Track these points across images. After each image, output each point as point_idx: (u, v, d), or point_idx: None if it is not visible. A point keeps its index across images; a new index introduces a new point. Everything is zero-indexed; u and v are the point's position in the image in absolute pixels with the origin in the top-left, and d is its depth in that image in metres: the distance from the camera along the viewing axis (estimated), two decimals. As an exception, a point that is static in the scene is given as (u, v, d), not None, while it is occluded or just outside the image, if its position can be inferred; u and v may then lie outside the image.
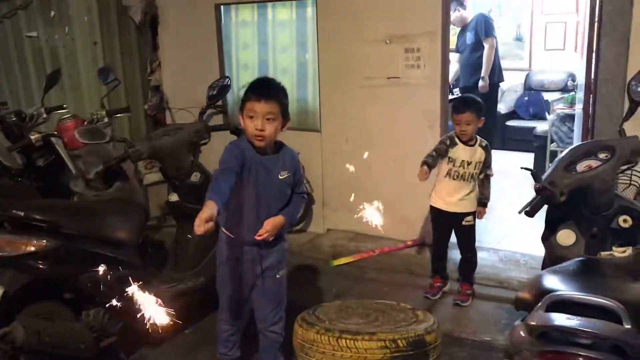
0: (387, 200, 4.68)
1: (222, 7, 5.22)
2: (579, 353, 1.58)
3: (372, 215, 2.64)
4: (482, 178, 3.72)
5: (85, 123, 3.88)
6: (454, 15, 6.09)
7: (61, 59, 5.16)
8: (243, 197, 2.60)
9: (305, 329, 2.58)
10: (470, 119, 3.56)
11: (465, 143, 3.64)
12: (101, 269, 2.90)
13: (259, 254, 2.71)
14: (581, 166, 2.50)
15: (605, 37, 3.64)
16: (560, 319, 1.63)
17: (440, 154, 3.63)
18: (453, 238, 3.92)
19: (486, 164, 3.70)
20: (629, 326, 1.62)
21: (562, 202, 2.50)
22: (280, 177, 2.62)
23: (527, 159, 6.37)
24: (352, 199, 4.88)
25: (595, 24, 3.74)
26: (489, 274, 4.12)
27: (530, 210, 2.40)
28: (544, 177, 2.51)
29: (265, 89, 2.56)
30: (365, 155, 4.39)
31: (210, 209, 2.23)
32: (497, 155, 7.20)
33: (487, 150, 3.69)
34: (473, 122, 3.58)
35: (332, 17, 4.66)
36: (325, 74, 4.81)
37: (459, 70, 6.52)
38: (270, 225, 2.58)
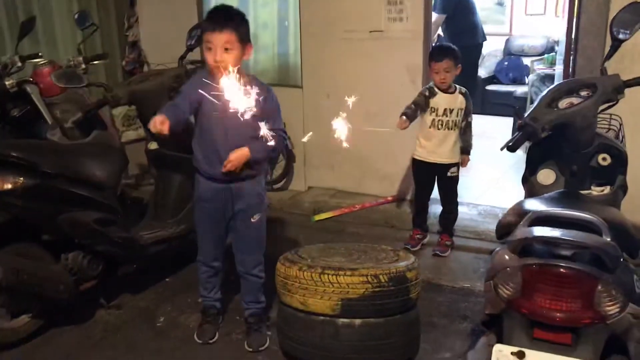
0: (368, 157, 4.77)
1: (202, -42, 5.14)
2: (560, 264, 1.61)
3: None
4: (464, 126, 3.75)
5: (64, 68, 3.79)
6: None
7: (35, 10, 5.02)
8: (210, 131, 2.61)
9: (287, 266, 2.59)
10: (449, 67, 3.59)
11: (444, 91, 3.66)
12: (80, 210, 2.89)
13: (231, 192, 2.71)
14: (563, 103, 2.51)
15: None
16: (542, 231, 1.66)
17: (419, 105, 3.64)
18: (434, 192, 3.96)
19: (467, 111, 3.73)
20: (608, 239, 1.65)
21: (544, 139, 2.52)
22: (243, 112, 2.59)
23: (507, 122, 6.42)
24: (333, 156, 4.93)
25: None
26: (468, 226, 4.19)
27: (512, 145, 2.40)
28: (526, 114, 2.52)
29: (220, 17, 2.51)
30: (346, 111, 4.39)
31: (161, 115, 2.45)
32: (477, 120, 7.16)
33: (467, 98, 3.72)
34: (452, 70, 3.60)
35: (314, -30, 4.62)
36: (306, 28, 4.78)
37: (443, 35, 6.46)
38: (233, 156, 2.58)
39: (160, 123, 2.40)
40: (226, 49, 2.48)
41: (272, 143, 2.78)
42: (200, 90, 2.47)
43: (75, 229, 2.88)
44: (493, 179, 5.17)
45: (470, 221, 4.27)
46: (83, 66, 3.73)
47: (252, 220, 2.77)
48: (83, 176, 2.92)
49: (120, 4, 5.37)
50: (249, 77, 2.65)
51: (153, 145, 3.62)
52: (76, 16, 4.01)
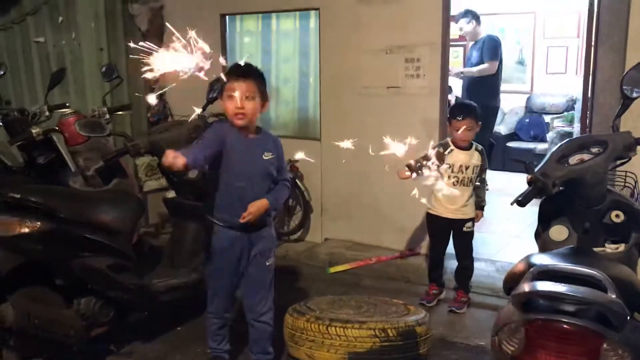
0: (385, 209, 4.76)
1: (227, 17, 5.32)
2: (563, 320, 1.58)
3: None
4: (479, 182, 3.75)
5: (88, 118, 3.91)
6: (468, 27, 6.17)
7: (67, 63, 5.24)
8: (228, 180, 2.65)
9: (295, 317, 2.57)
10: (471, 125, 3.61)
11: (461, 148, 3.67)
12: (94, 255, 2.92)
13: (249, 240, 2.73)
14: (573, 159, 2.50)
15: (602, 45, 3.69)
16: (546, 285, 1.63)
17: (429, 159, 3.62)
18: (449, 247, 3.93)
19: (482, 168, 3.74)
20: (614, 296, 1.62)
21: (555, 194, 2.50)
22: (264, 157, 2.68)
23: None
24: (350, 208, 4.94)
25: (593, 34, 3.79)
26: (484, 282, 4.12)
27: (522, 200, 2.39)
28: (536, 169, 2.51)
29: (243, 69, 2.64)
30: (364, 163, 4.42)
31: (175, 152, 2.46)
32: (497, 176, 7.30)
33: (482, 154, 3.74)
34: (473, 128, 3.63)
35: (335, 28, 4.75)
36: (326, 83, 4.88)
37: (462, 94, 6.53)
38: (254, 207, 2.61)
39: (172, 157, 2.43)
40: (247, 97, 2.58)
41: (287, 192, 2.86)
42: (223, 136, 2.58)
43: (88, 274, 2.91)
44: (512, 235, 5.11)
45: (488, 277, 4.20)
46: (107, 116, 3.84)
47: (267, 263, 2.80)
48: (98, 222, 2.97)
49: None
50: (264, 130, 2.77)
51: (171, 194, 3.69)
52: (103, 69, 4.17)
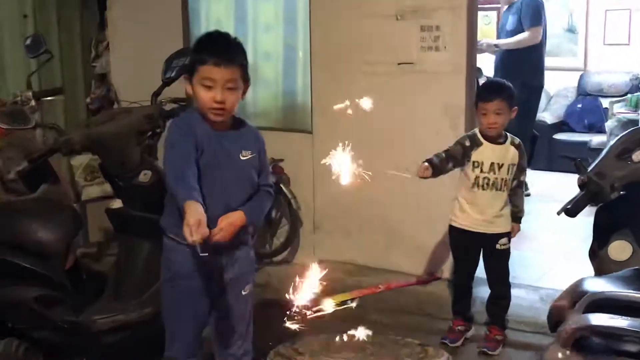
0: (396, 221, 4.77)
1: (189, -28, 5.35)
2: (625, 363, 1.58)
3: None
4: (515, 186, 3.76)
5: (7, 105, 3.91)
6: None
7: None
8: (203, 187, 2.60)
9: (279, 364, 2.56)
10: (501, 108, 3.61)
11: (492, 141, 3.68)
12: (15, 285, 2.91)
13: (220, 262, 2.71)
14: (638, 155, 2.53)
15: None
16: (602, 319, 1.63)
17: (454, 156, 3.65)
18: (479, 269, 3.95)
19: (520, 168, 3.75)
20: (690, 332, 1.62)
21: (614, 201, 2.52)
22: (242, 158, 2.66)
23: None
24: (351, 220, 4.94)
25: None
26: (525, 316, 4.14)
27: (572, 208, 2.42)
28: (590, 167, 2.53)
29: (225, 49, 2.58)
30: (369, 163, 4.43)
31: (196, 211, 2.35)
32: (541, 177, 7.34)
33: (520, 150, 3.75)
34: (504, 112, 3.63)
35: (329, -13, 4.77)
36: (318, 59, 4.89)
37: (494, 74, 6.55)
38: (225, 222, 2.54)
39: (197, 225, 2.33)
40: (229, 88, 2.55)
41: (269, 201, 2.85)
42: (193, 134, 2.54)
43: (9, 309, 2.89)
44: (560, 254, 5.12)
45: (529, 309, 4.22)
46: (33, 103, 3.83)
47: (243, 292, 2.80)
48: (21, 241, 2.95)
49: (88, 27, 5.55)
50: (242, 120, 2.77)
51: (116, 204, 3.68)
52: (28, 41, 4.14)
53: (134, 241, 3.59)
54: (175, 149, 2.58)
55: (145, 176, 3.55)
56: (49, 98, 4.15)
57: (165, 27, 5.36)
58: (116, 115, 3.63)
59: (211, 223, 2.56)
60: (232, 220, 2.58)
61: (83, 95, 5.53)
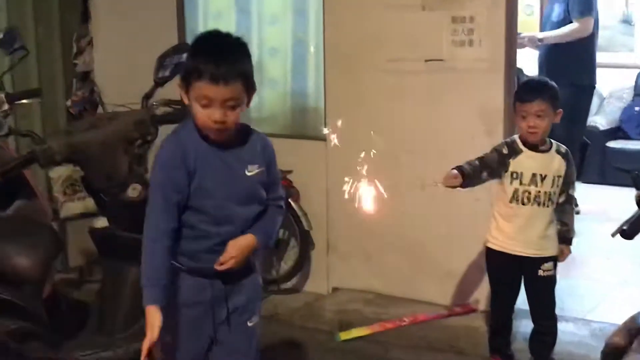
0: (422, 244, 4.76)
1: (184, -42, 5.40)
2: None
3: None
4: (563, 201, 3.76)
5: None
6: None
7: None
8: (197, 211, 2.62)
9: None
10: (542, 110, 3.61)
11: (534, 149, 3.68)
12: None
13: (224, 290, 2.71)
14: None
15: None
16: (664, 360, 1.63)
17: (488, 165, 3.65)
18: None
19: (567, 180, 3.74)
20: None
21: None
22: (247, 174, 2.63)
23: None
24: (370, 241, 4.93)
25: None
26: (574, 353, 4.14)
27: (629, 229, 2.42)
28: (650, 181, 2.52)
29: (224, 59, 2.51)
30: (391, 175, 4.43)
31: (153, 320, 2.47)
32: (593, 192, 7.31)
33: (568, 160, 3.74)
34: (547, 115, 3.62)
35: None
36: (333, 55, 4.91)
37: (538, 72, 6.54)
38: (235, 248, 2.58)
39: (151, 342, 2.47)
40: (230, 106, 2.51)
41: (280, 218, 2.85)
42: (186, 162, 2.54)
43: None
44: (615, 282, 5.11)
45: (579, 346, 4.23)
46: (6, 106, 3.85)
47: (248, 324, 2.80)
48: (-7, 267, 2.98)
49: (69, 20, 5.58)
50: (248, 129, 2.74)
51: (101, 223, 3.70)
52: (0, 36, 4.18)
53: (120, 266, 3.60)
54: (158, 193, 2.60)
55: (134, 191, 3.57)
56: (23, 101, 4.15)
57: (157, 20, 5.39)
58: (101, 121, 3.65)
59: (215, 252, 2.59)
60: (243, 245, 2.61)
61: (63, 97, 5.54)
